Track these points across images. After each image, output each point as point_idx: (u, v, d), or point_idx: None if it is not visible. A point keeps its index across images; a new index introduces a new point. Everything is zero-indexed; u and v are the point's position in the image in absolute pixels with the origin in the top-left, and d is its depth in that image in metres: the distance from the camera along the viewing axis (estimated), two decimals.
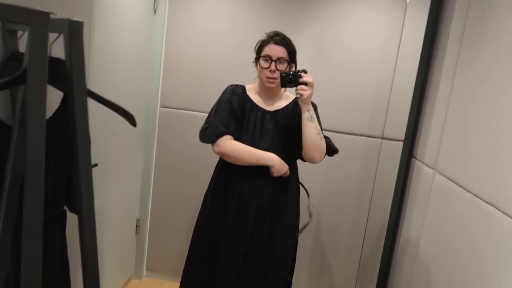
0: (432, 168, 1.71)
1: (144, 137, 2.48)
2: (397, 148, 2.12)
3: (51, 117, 1.15)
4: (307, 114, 1.63)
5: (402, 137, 2.06)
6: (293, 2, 2.30)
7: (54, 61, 1.01)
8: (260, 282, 1.76)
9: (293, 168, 1.81)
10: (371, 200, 2.42)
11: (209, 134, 1.70)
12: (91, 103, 1.51)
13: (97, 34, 1.69)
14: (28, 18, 0.64)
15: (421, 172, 1.84)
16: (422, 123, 1.92)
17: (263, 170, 1.71)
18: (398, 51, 2.28)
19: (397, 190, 2.04)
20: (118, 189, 2.23)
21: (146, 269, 2.65)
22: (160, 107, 2.47)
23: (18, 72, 0.79)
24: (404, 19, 2.26)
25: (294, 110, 1.75)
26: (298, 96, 1.62)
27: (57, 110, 1.21)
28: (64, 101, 1.21)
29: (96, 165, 1.83)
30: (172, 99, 2.45)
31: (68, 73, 0.85)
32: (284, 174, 1.72)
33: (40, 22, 0.65)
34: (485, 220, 1.25)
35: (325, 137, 1.73)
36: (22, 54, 1.01)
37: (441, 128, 1.68)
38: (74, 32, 0.80)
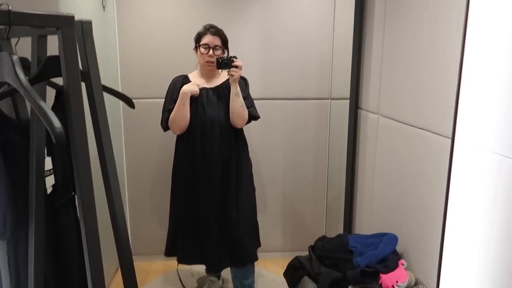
0: (376, 113, 2.04)
1: (111, 129, 2.57)
2: (344, 105, 2.45)
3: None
4: (235, 91, 2.05)
5: (347, 95, 2.38)
6: None
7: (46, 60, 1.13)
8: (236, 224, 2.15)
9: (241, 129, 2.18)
10: (328, 152, 2.75)
11: (163, 126, 2.15)
12: None
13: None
14: (59, 23, 0.79)
15: (367, 119, 2.16)
16: (363, 77, 2.24)
17: (210, 136, 2.08)
18: (334, 20, 2.57)
19: (350, 139, 2.37)
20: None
21: (133, 254, 2.78)
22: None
23: (37, 70, 0.93)
24: None
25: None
26: (230, 76, 2.03)
27: (53, 106, 1.34)
28: (58, 97, 1.34)
29: None
30: (133, 90, 2.57)
31: (85, 71, 1.00)
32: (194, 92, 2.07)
33: (68, 25, 0.80)
34: (422, 143, 1.58)
35: (251, 107, 2.13)
36: (27, 59, 1.13)
37: (379, 78, 2.00)
38: (86, 32, 0.95)
